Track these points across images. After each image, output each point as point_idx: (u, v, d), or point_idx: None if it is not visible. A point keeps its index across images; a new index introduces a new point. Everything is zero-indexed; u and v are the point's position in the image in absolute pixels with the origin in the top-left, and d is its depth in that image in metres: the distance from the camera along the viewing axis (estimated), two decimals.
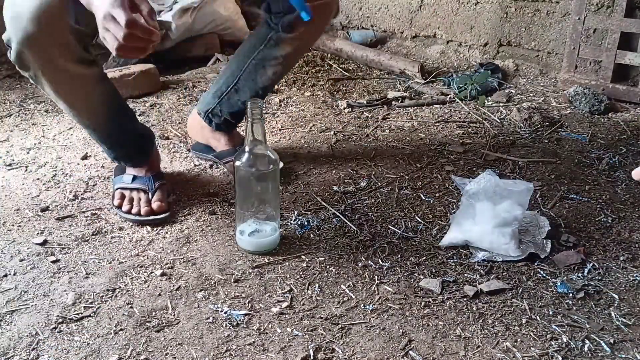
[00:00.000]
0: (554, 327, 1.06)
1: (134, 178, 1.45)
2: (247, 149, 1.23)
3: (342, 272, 1.22)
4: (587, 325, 1.07)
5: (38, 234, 1.35)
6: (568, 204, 1.48)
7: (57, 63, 1.21)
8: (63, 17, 1.17)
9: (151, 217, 1.37)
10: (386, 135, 1.91)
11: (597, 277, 1.20)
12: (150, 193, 1.42)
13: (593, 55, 2.28)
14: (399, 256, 1.27)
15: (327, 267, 1.24)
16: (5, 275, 1.20)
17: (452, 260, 1.26)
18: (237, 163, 1.23)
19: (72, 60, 1.23)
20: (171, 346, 1.02)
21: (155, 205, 1.39)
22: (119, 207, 1.40)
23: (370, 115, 2.08)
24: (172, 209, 1.44)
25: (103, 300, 1.13)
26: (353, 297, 1.14)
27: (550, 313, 1.10)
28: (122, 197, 1.42)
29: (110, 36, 1.03)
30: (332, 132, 1.92)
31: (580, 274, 1.21)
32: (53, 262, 1.25)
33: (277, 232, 1.29)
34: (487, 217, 1.27)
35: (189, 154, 1.78)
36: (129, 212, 1.39)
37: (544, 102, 2.24)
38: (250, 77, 1.54)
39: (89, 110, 1.36)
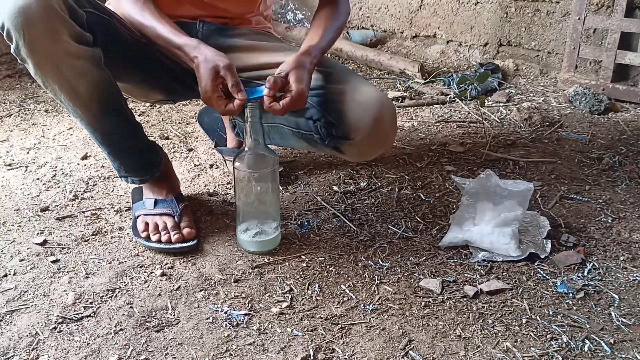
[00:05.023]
0: (554, 327, 1.06)
1: (156, 202, 1.35)
2: (246, 149, 1.23)
3: (342, 272, 1.22)
4: (587, 325, 1.07)
5: (38, 234, 1.35)
6: (568, 204, 1.48)
7: (53, 38, 1.10)
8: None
9: (179, 246, 1.27)
10: None
11: (597, 277, 1.20)
12: (176, 217, 1.33)
13: (593, 55, 2.28)
14: (399, 256, 1.27)
15: (327, 267, 1.24)
16: (5, 275, 1.20)
17: (452, 260, 1.26)
18: (237, 164, 1.23)
19: (69, 36, 1.12)
20: (171, 346, 1.02)
21: (185, 231, 1.29)
22: (147, 237, 1.30)
23: None
24: (199, 233, 1.35)
25: (103, 300, 1.13)
26: (353, 297, 1.14)
27: (550, 313, 1.10)
28: (146, 225, 1.31)
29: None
30: None
31: (580, 274, 1.21)
32: (53, 262, 1.24)
33: (278, 232, 1.29)
34: (487, 217, 1.27)
35: (189, 154, 1.78)
36: (158, 241, 1.28)
37: (544, 102, 2.24)
38: (281, 134, 1.40)
39: (86, 95, 1.20)
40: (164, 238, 1.28)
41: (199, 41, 1.20)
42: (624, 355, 1.00)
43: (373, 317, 1.09)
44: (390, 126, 1.25)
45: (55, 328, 1.06)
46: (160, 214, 1.33)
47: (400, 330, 1.06)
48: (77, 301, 1.12)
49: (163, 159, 1.41)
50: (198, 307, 1.11)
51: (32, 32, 1.08)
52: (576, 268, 1.23)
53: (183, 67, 1.30)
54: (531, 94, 2.32)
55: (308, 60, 1.20)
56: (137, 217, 1.34)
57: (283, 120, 1.33)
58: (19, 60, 1.13)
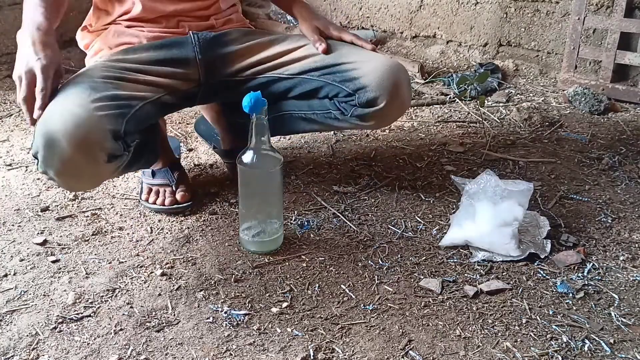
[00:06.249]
0: (554, 327, 1.06)
1: (154, 173, 1.47)
2: (251, 148, 1.22)
3: (342, 272, 1.22)
4: (587, 325, 1.07)
5: (38, 234, 1.35)
6: (568, 204, 1.48)
7: (88, 171, 1.15)
8: (104, 131, 1.11)
9: (174, 206, 1.42)
10: (386, 135, 1.91)
11: (597, 277, 1.20)
12: (172, 186, 1.45)
13: (593, 55, 2.28)
14: (399, 256, 1.27)
15: (327, 267, 1.24)
16: (5, 275, 1.20)
17: (452, 260, 1.26)
18: (241, 163, 1.23)
19: (103, 162, 1.14)
20: (171, 346, 1.02)
21: (179, 195, 1.43)
22: (146, 200, 1.45)
23: None
24: (197, 195, 1.49)
25: (103, 300, 1.13)
26: (353, 297, 1.14)
27: (550, 313, 1.10)
28: (150, 191, 1.46)
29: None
30: (332, 132, 1.92)
31: (580, 274, 1.21)
32: (53, 262, 1.25)
33: (280, 232, 1.29)
34: (487, 217, 1.27)
35: (189, 154, 1.78)
36: (154, 203, 1.43)
37: (543, 102, 2.24)
38: (287, 123, 1.45)
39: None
40: (159, 201, 1.43)
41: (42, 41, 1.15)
42: (624, 355, 1.00)
43: (373, 317, 1.09)
44: (408, 88, 1.34)
45: (55, 328, 1.06)
46: (159, 184, 1.46)
47: (400, 330, 1.06)
48: (77, 301, 1.13)
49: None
50: (198, 307, 1.11)
51: (62, 173, 1.13)
52: (576, 268, 1.23)
53: (181, 91, 1.35)
54: (531, 94, 2.32)
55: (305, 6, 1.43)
56: (144, 183, 1.49)
57: (292, 106, 1.41)
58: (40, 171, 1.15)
